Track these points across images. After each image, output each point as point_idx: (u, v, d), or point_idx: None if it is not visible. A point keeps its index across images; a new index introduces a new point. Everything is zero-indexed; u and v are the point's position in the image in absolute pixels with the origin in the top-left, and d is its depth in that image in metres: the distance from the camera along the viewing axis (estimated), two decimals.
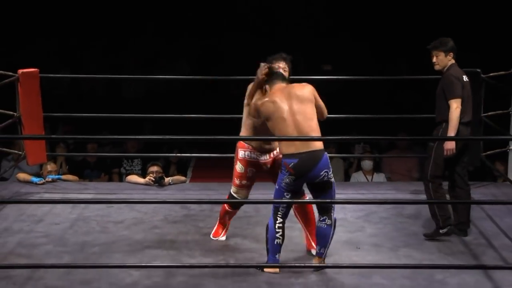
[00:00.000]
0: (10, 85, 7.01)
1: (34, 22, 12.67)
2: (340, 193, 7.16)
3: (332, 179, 5.20)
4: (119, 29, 12.99)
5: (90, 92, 12.69)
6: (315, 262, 5.27)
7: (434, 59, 6.04)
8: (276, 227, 5.18)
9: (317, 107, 5.23)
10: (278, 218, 5.19)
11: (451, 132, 5.80)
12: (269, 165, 5.65)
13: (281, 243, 5.21)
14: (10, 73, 7.06)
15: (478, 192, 7.25)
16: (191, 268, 5.31)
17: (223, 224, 5.94)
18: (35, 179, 7.40)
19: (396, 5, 12.70)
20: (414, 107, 10.94)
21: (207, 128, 9.13)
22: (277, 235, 5.19)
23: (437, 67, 6.05)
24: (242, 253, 5.66)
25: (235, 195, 5.69)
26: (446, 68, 6.01)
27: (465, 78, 5.97)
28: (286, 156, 5.10)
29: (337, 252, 5.70)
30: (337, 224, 6.18)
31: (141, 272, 5.21)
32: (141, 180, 7.50)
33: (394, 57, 12.84)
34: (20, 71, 7.02)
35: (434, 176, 5.97)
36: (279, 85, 5.27)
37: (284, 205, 5.21)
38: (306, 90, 5.20)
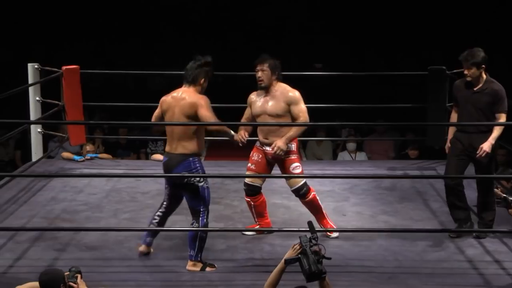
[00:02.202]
0: (56, 79, 7.01)
1: (75, 26, 12.63)
2: (329, 169, 7.18)
3: (200, 184, 4.57)
4: (146, 31, 12.93)
5: (121, 85, 12.66)
6: (188, 265, 4.59)
7: (466, 72, 5.11)
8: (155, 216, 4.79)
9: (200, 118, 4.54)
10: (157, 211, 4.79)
11: (493, 140, 4.99)
12: (270, 156, 5.16)
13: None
14: (56, 69, 7.05)
15: (442, 168, 7.20)
16: (205, 231, 5.29)
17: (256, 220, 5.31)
18: (76, 157, 7.38)
19: (372, 12, 12.61)
20: (389, 98, 10.89)
21: (218, 115, 9.02)
22: (153, 221, 4.77)
23: (469, 79, 5.12)
24: (250, 218, 5.62)
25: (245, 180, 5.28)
26: (485, 81, 5.09)
27: None
28: (164, 153, 4.70)
29: None
30: (326, 195, 6.19)
31: (164, 234, 5.18)
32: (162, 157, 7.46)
33: (373, 56, 12.78)
34: (64, 67, 7.02)
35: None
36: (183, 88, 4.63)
37: (164, 202, 4.78)
38: (187, 105, 4.53)
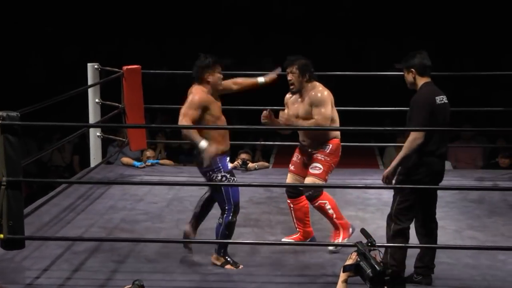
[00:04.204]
0: (116, 80, 7.12)
1: (138, 27, 12.86)
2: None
3: (222, 181, 4.84)
4: (213, 29, 13.06)
5: (186, 86, 12.77)
6: (212, 257, 4.96)
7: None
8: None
9: None
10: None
11: (394, 164, 4.59)
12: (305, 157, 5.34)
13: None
14: (116, 69, 7.16)
15: None
16: (273, 245, 5.30)
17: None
18: (136, 163, 7.49)
19: (457, 7, 12.42)
20: (478, 100, 10.68)
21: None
22: (196, 208, 5.16)
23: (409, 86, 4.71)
24: (320, 231, 5.60)
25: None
26: (419, 88, 4.61)
27: (439, 99, 4.54)
28: None
29: None
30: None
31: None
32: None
33: (460, 54, 12.56)
34: (125, 67, 7.11)
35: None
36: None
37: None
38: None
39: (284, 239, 5.47)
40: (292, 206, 5.40)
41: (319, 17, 13.22)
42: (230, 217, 4.88)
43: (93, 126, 7.17)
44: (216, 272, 4.86)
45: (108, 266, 4.90)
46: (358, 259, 3.37)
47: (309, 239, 5.41)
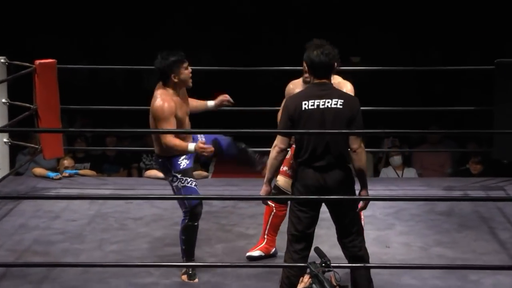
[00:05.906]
0: (27, 77, 7.02)
1: (53, 16, 12.70)
2: (369, 189, 7.12)
3: (174, 184, 5.10)
4: (142, 18, 12.99)
5: (109, 83, 12.70)
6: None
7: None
8: None
9: None
10: None
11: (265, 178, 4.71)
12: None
13: None
14: (27, 64, 7.07)
15: None
16: (213, 267, 5.28)
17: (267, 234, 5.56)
18: (51, 174, 7.42)
19: None
20: (446, 99, 10.86)
21: (230, 121, 9.06)
22: None
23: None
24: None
25: (277, 182, 5.38)
26: None
27: (309, 104, 4.46)
28: None
29: None
30: (366, 221, 6.16)
31: (161, 271, 5.21)
32: (161, 174, 7.46)
33: (425, 47, 12.73)
34: (37, 61, 7.03)
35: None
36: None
37: None
38: (152, 109, 5.03)
39: (249, 253, 5.49)
40: (274, 210, 5.46)
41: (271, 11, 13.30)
42: (185, 222, 5.09)
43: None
44: None
45: None
46: (311, 282, 3.38)
47: (272, 251, 5.50)
